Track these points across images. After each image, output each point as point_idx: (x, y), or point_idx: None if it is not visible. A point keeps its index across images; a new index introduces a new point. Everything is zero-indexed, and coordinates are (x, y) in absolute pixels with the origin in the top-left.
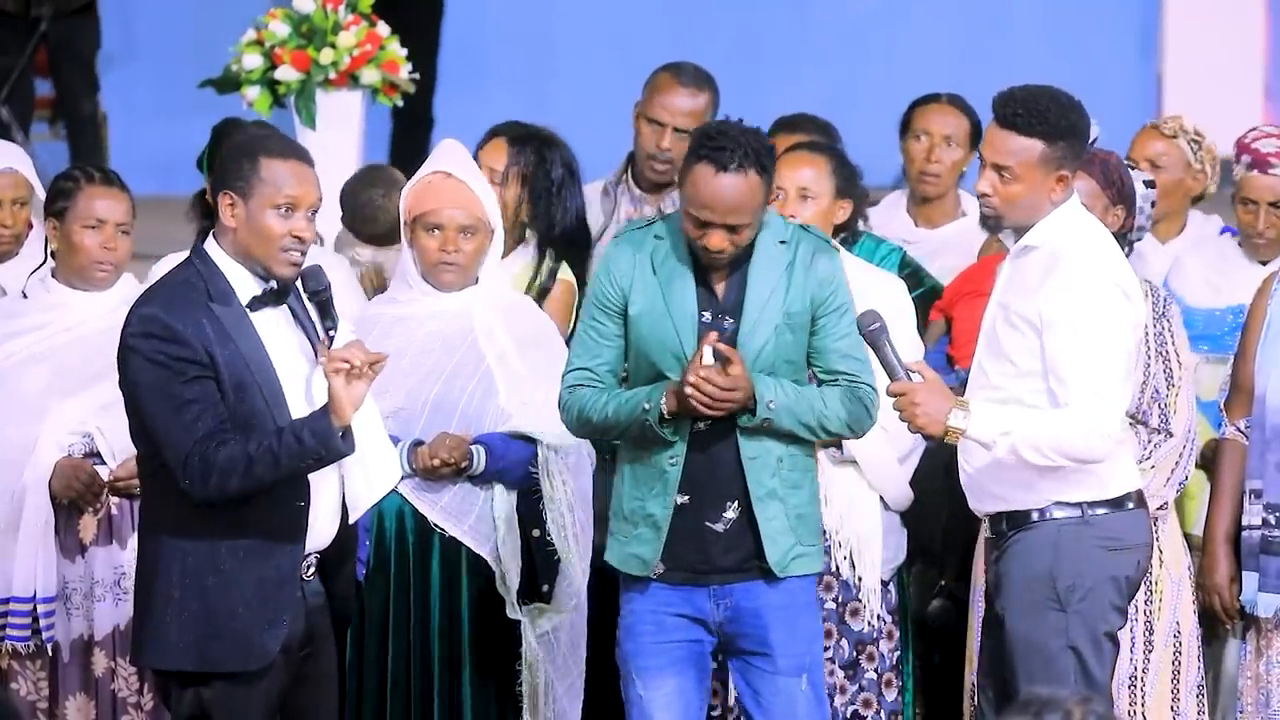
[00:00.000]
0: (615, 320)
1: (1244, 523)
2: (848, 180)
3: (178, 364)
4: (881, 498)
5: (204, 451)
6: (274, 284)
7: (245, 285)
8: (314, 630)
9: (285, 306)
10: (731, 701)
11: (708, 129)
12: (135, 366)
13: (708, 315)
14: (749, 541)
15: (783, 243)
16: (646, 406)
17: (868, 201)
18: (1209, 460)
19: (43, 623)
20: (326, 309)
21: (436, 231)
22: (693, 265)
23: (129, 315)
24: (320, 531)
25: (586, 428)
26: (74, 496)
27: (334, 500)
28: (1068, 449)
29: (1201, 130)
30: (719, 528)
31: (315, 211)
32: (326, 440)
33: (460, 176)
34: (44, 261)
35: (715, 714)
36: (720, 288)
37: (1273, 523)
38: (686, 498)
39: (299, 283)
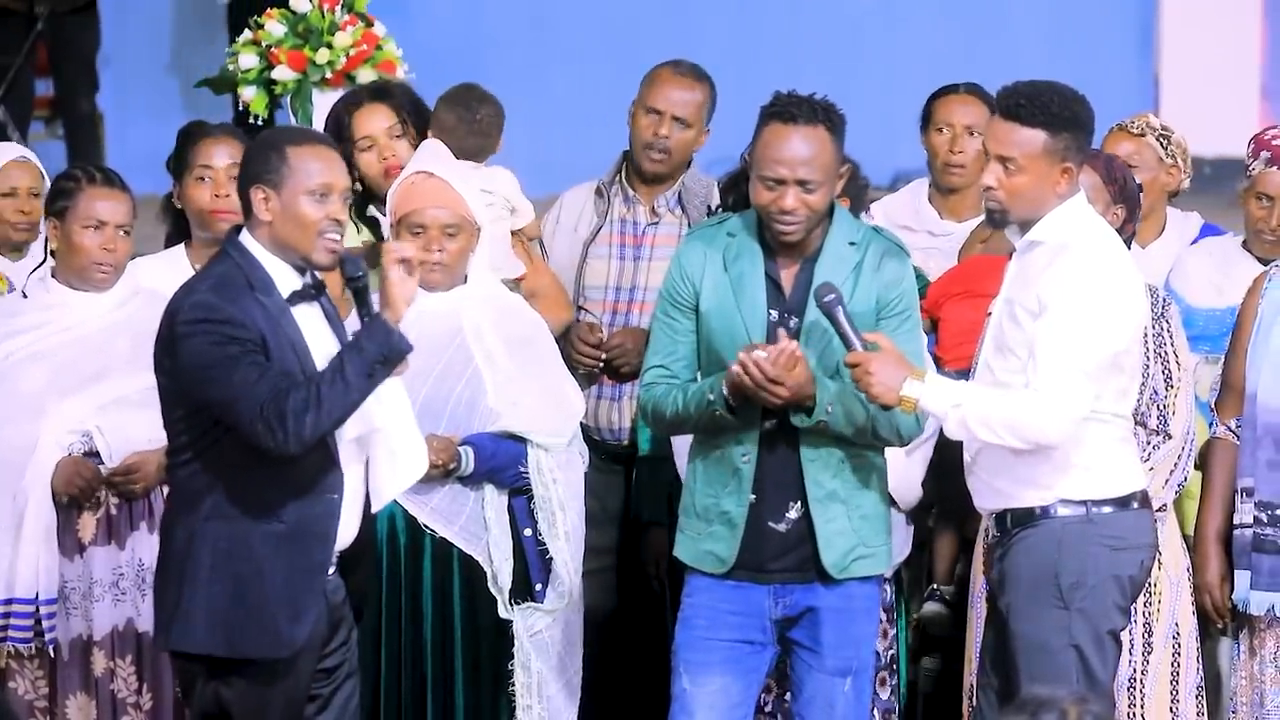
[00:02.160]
0: (688, 315)
1: (1235, 521)
2: (846, 177)
3: (235, 342)
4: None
5: (274, 400)
6: (311, 278)
7: (284, 278)
8: (338, 625)
9: (318, 304)
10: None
11: (775, 96)
12: (191, 350)
13: (775, 313)
14: (810, 542)
15: (852, 244)
16: (711, 397)
17: (866, 198)
18: (1204, 460)
19: (45, 624)
20: (362, 296)
21: (420, 232)
22: (763, 262)
23: (176, 305)
24: (347, 527)
25: (663, 424)
26: (76, 494)
27: (359, 498)
28: (1021, 429)
29: (1169, 125)
30: (781, 528)
31: (347, 197)
32: (387, 339)
33: (442, 176)
34: (43, 261)
35: (766, 709)
36: (788, 286)
37: (1264, 521)
38: (754, 496)
39: (338, 269)
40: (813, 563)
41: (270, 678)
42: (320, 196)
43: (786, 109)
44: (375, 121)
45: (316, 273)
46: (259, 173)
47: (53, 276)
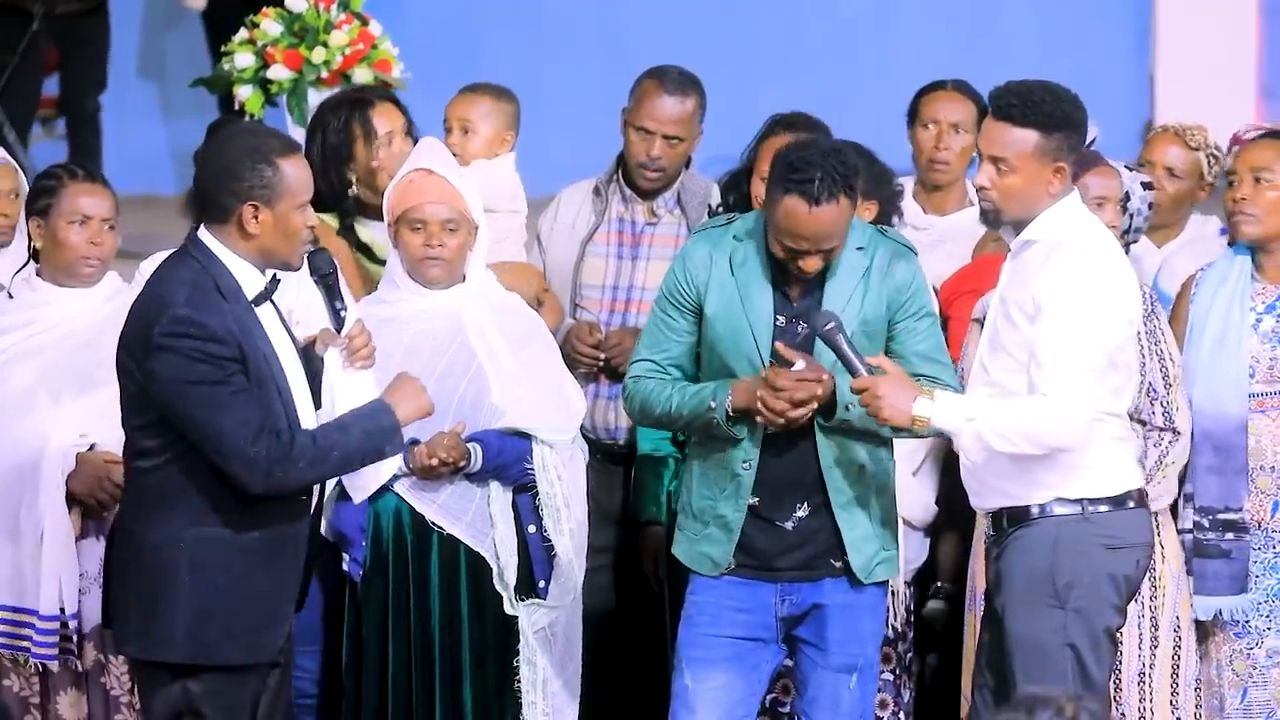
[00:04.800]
0: (687, 317)
1: (1178, 527)
2: (874, 181)
3: (218, 361)
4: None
5: (275, 439)
6: (274, 276)
7: (250, 281)
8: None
9: (271, 303)
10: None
11: (790, 158)
12: (174, 365)
13: (782, 320)
14: (820, 540)
15: (860, 248)
16: (712, 405)
17: (898, 202)
18: None
19: (75, 640)
20: (334, 290)
21: (420, 228)
22: (770, 268)
23: (152, 314)
24: None
25: (649, 419)
26: (102, 499)
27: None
28: (1036, 436)
29: (1220, 146)
30: (789, 526)
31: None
32: (394, 441)
33: (441, 173)
34: (27, 261)
35: (784, 711)
36: (796, 293)
37: (1205, 525)
38: (758, 499)
39: (305, 266)
40: (823, 560)
41: (242, 674)
42: (302, 207)
43: (804, 187)
44: (395, 119)
45: (275, 272)
46: (253, 189)
47: (38, 276)
